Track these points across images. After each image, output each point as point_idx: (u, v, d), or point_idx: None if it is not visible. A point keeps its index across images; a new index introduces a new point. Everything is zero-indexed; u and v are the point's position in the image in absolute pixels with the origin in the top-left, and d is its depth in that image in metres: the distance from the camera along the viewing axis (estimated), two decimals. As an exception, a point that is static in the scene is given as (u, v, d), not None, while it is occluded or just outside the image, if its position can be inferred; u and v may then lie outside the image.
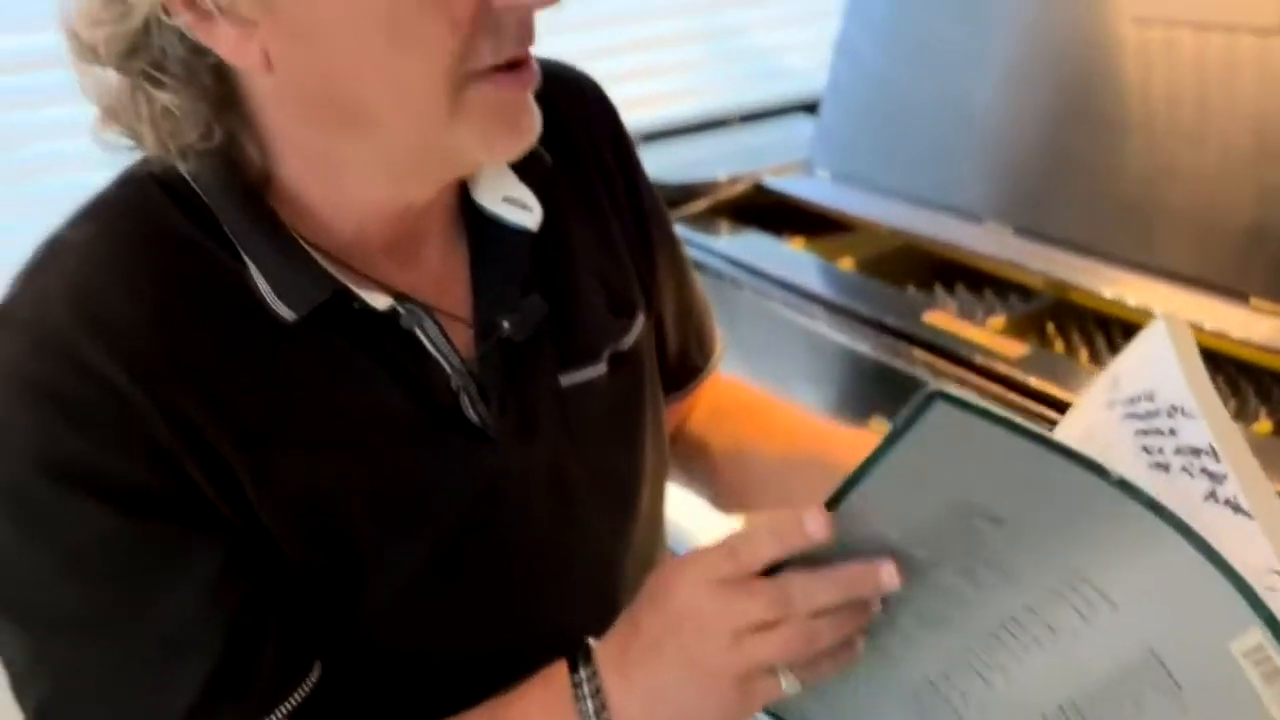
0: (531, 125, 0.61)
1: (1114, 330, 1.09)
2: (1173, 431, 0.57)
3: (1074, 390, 0.93)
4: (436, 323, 0.65)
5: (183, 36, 0.57)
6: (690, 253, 1.30)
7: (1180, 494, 0.53)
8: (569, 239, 0.73)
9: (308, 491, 0.61)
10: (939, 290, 1.23)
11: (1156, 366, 0.59)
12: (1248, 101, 1.00)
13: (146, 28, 0.56)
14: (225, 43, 0.56)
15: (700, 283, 0.89)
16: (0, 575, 0.59)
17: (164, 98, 0.58)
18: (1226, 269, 1.00)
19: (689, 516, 1.00)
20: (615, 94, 0.82)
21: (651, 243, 0.80)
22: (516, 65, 0.59)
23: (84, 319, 0.57)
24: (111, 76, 0.59)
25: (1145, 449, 0.58)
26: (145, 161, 0.62)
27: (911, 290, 1.23)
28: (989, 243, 1.19)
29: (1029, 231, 1.17)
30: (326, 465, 0.62)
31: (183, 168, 0.61)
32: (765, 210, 1.44)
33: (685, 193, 1.45)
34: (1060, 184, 1.15)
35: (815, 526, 0.55)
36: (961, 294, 1.21)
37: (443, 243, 0.69)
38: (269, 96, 0.60)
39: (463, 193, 0.69)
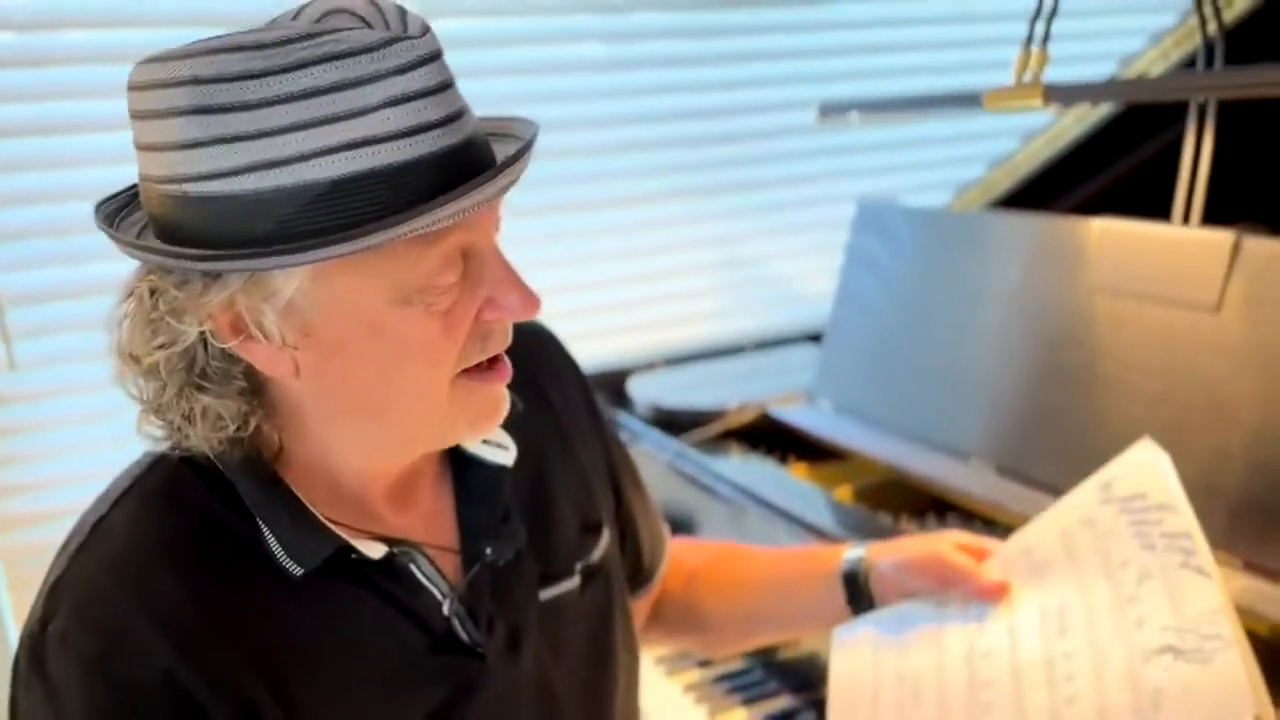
0: (506, 407, 0.74)
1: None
2: (1159, 521, 0.83)
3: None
4: (427, 557, 0.75)
5: (221, 350, 0.67)
6: (700, 477, 1.42)
7: (1163, 563, 0.80)
8: (542, 470, 0.86)
9: (333, 714, 0.70)
10: (931, 520, 1.32)
11: (1149, 475, 0.87)
12: (1196, 368, 1.11)
13: (193, 348, 0.67)
14: (261, 357, 0.68)
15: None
16: None
17: (205, 399, 0.68)
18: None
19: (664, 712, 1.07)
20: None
21: (614, 467, 0.93)
22: (495, 361, 0.72)
23: (131, 594, 0.67)
24: (154, 384, 0.69)
25: (1138, 534, 0.84)
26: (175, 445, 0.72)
27: (904, 520, 1.32)
28: (973, 480, 1.29)
29: (1011, 471, 1.27)
30: (343, 698, 0.71)
31: (207, 449, 0.70)
32: (772, 436, 1.55)
33: (698, 419, 1.57)
34: (1038, 431, 1.26)
35: None
36: (952, 525, 1.30)
37: (432, 483, 0.81)
38: (291, 393, 0.71)
39: None
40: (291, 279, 0.64)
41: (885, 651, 0.92)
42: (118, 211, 0.72)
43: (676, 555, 1.03)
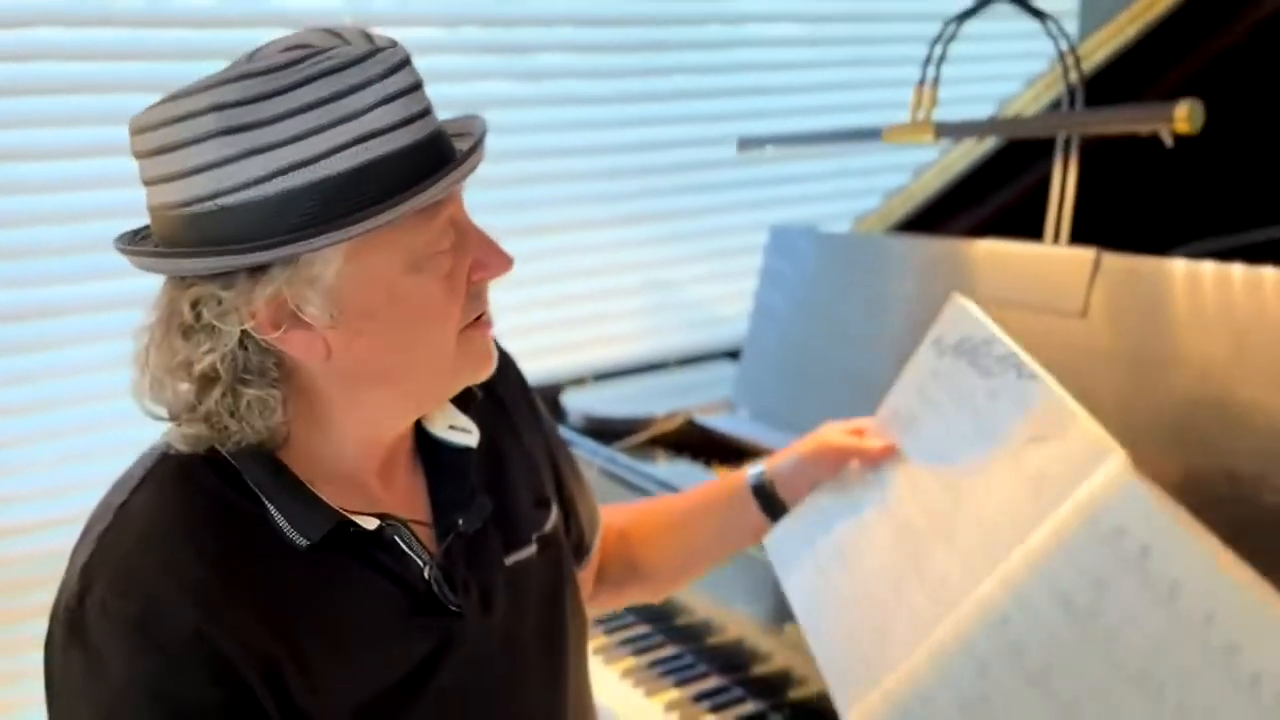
0: (496, 354, 0.88)
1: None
2: (988, 352, 0.99)
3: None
4: (409, 529, 0.85)
5: (259, 345, 0.77)
6: (632, 479, 1.54)
7: (1002, 381, 0.96)
8: (498, 453, 0.97)
9: (336, 670, 0.80)
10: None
11: (966, 321, 1.04)
12: (1066, 367, 1.27)
13: (234, 349, 0.76)
14: (298, 345, 0.78)
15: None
16: None
17: (250, 393, 0.78)
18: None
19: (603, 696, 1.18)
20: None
21: (554, 455, 1.06)
22: (480, 317, 0.85)
23: (160, 564, 0.75)
24: (199, 388, 0.77)
25: (974, 368, 1.00)
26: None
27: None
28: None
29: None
30: (346, 651, 0.81)
31: (240, 440, 0.79)
32: (696, 442, 1.68)
33: (629, 426, 1.69)
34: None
35: None
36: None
37: (407, 466, 0.92)
38: (314, 379, 0.81)
39: (417, 429, 0.92)
40: (331, 261, 0.75)
41: (824, 555, 1.04)
42: (134, 242, 0.80)
43: (606, 520, 1.15)
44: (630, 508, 1.22)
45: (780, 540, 1.10)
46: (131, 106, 0.78)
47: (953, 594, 0.88)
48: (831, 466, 1.07)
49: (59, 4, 1.69)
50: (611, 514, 1.17)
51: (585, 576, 1.11)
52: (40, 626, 0.79)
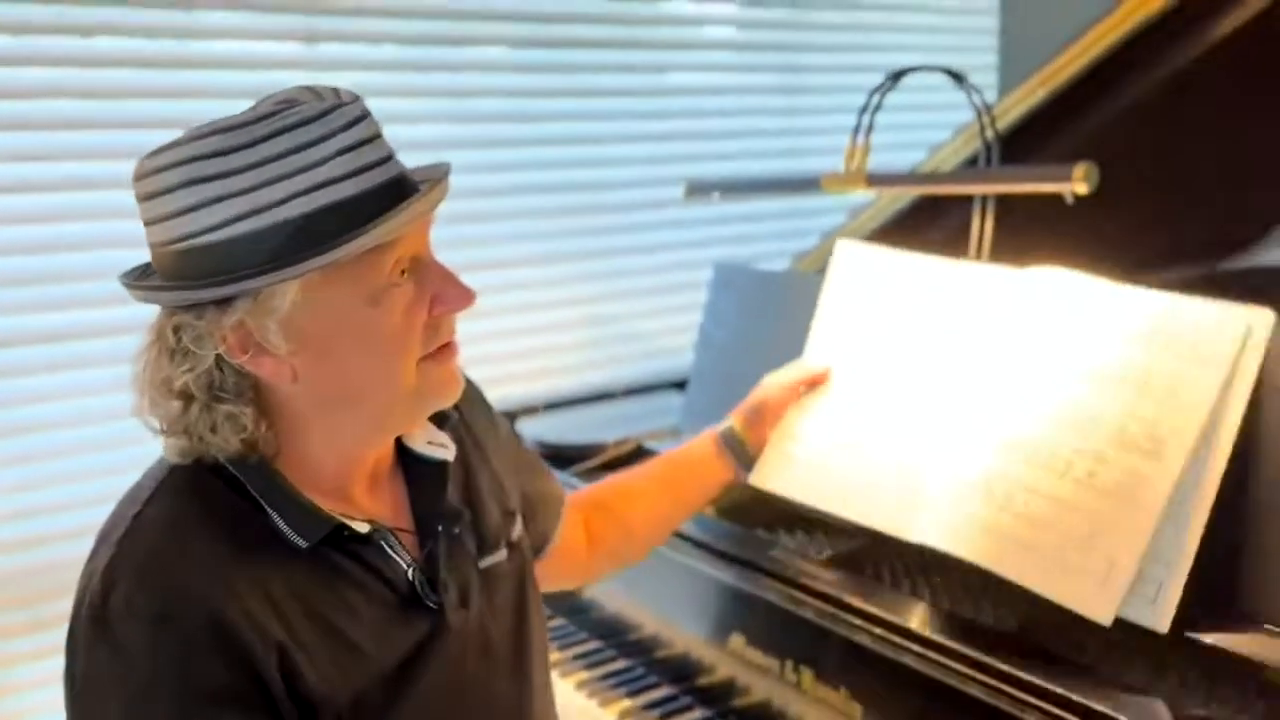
0: (462, 381, 0.97)
1: (930, 570, 1.43)
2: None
3: (889, 599, 1.24)
4: (395, 535, 0.94)
5: (234, 367, 0.87)
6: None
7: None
8: (470, 469, 1.07)
9: (337, 660, 0.88)
10: (781, 531, 1.56)
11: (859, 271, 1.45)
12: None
13: (211, 369, 0.86)
14: (267, 368, 0.87)
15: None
16: None
17: (224, 409, 0.87)
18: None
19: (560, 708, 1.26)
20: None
21: (519, 460, 1.17)
22: (446, 346, 0.94)
23: (178, 560, 0.84)
24: (177, 406, 0.87)
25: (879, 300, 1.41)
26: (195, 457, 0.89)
27: (760, 532, 1.55)
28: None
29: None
30: (344, 641, 0.89)
31: (221, 457, 0.88)
32: (645, 467, 1.77)
33: (581, 452, 1.78)
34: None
35: None
36: (800, 536, 1.54)
37: (390, 479, 1.01)
38: (290, 399, 0.90)
39: (398, 444, 1.01)
40: (287, 294, 0.84)
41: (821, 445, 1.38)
42: (140, 275, 0.91)
43: (583, 499, 1.30)
44: (607, 482, 1.37)
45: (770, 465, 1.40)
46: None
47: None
48: (785, 406, 1.38)
49: (48, 45, 1.81)
50: (588, 492, 1.32)
51: (556, 556, 1.22)
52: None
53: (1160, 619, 1.06)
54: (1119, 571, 1.07)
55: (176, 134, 0.86)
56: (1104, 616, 1.07)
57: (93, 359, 1.89)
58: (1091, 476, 1.12)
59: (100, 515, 0.92)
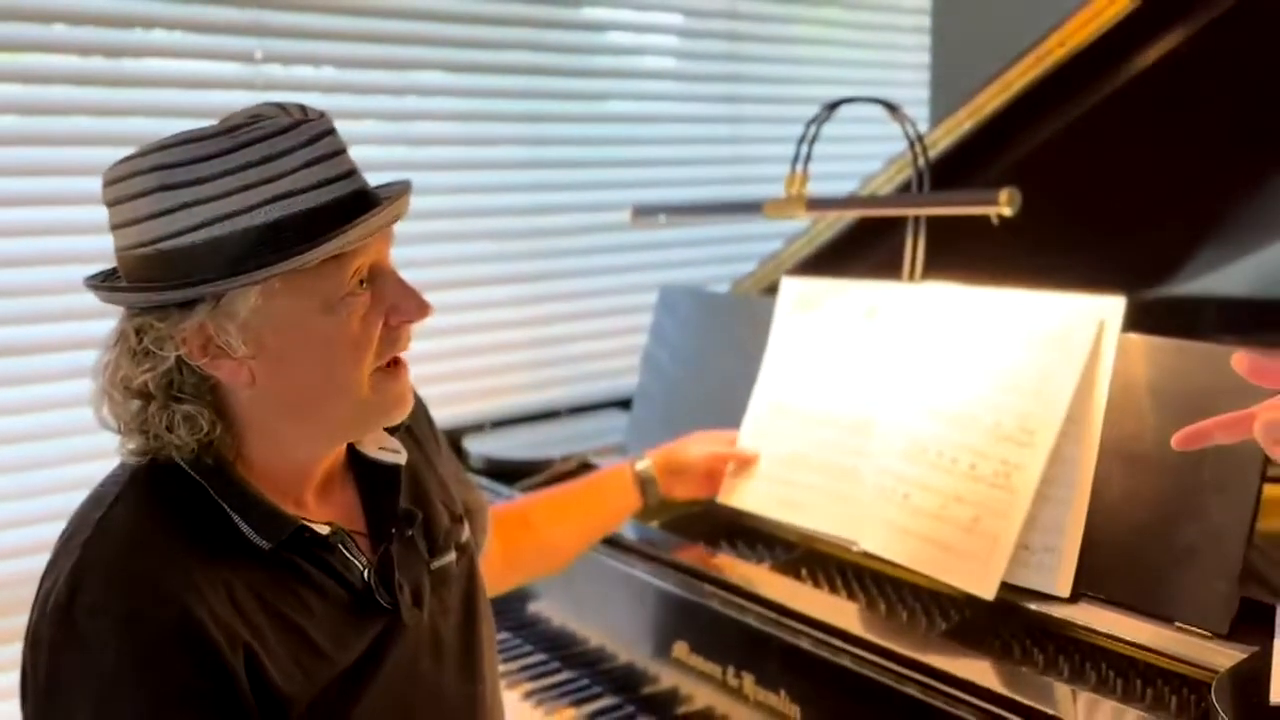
0: (411, 397, 1.00)
1: (864, 576, 1.49)
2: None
3: (818, 603, 1.29)
4: (351, 538, 0.97)
5: (193, 369, 0.89)
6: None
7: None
8: (419, 475, 1.10)
9: (299, 658, 0.90)
10: (724, 544, 1.60)
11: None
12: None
13: (171, 370, 0.88)
14: (225, 371, 0.89)
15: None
16: None
17: (182, 409, 0.89)
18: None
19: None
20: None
21: (457, 476, 1.21)
22: (398, 361, 0.97)
23: (144, 560, 0.85)
24: (136, 404, 0.89)
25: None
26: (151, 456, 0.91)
27: (703, 546, 1.59)
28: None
29: (786, 500, 1.58)
30: (306, 640, 0.91)
31: (178, 457, 0.90)
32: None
33: (528, 468, 1.81)
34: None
35: None
36: (741, 547, 1.59)
37: (342, 483, 1.04)
38: (247, 403, 0.92)
39: (349, 449, 1.04)
40: (247, 300, 0.86)
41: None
42: (105, 279, 0.93)
43: (506, 513, 1.35)
44: (530, 498, 1.45)
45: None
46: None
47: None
48: (703, 481, 1.51)
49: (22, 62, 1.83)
50: (511, 506, 1.38)
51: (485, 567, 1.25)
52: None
53: (1061, 585, 1.20)
54: (999, 552, 1.21)
55: (121, 151, 0.88)
56: (987, 592, 1.21)
57: (41, 374, 1.87)
58: (973, 469, 1.27)
59: (51, 531, 0.93)
